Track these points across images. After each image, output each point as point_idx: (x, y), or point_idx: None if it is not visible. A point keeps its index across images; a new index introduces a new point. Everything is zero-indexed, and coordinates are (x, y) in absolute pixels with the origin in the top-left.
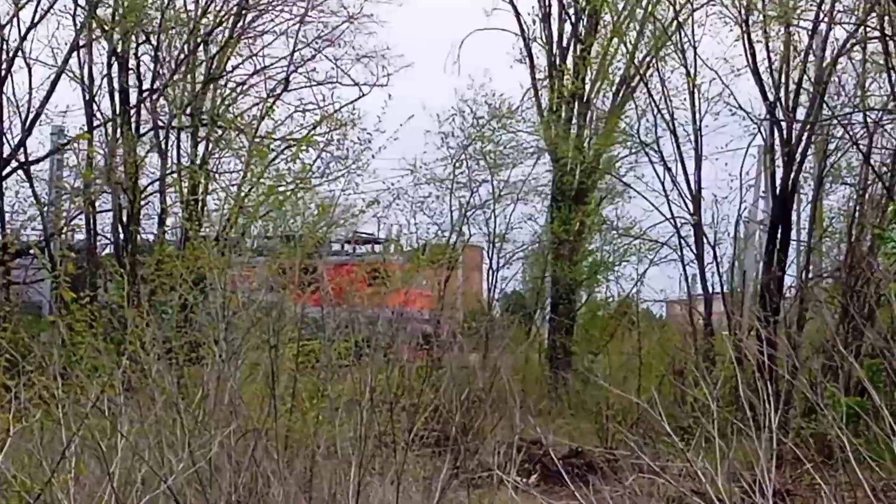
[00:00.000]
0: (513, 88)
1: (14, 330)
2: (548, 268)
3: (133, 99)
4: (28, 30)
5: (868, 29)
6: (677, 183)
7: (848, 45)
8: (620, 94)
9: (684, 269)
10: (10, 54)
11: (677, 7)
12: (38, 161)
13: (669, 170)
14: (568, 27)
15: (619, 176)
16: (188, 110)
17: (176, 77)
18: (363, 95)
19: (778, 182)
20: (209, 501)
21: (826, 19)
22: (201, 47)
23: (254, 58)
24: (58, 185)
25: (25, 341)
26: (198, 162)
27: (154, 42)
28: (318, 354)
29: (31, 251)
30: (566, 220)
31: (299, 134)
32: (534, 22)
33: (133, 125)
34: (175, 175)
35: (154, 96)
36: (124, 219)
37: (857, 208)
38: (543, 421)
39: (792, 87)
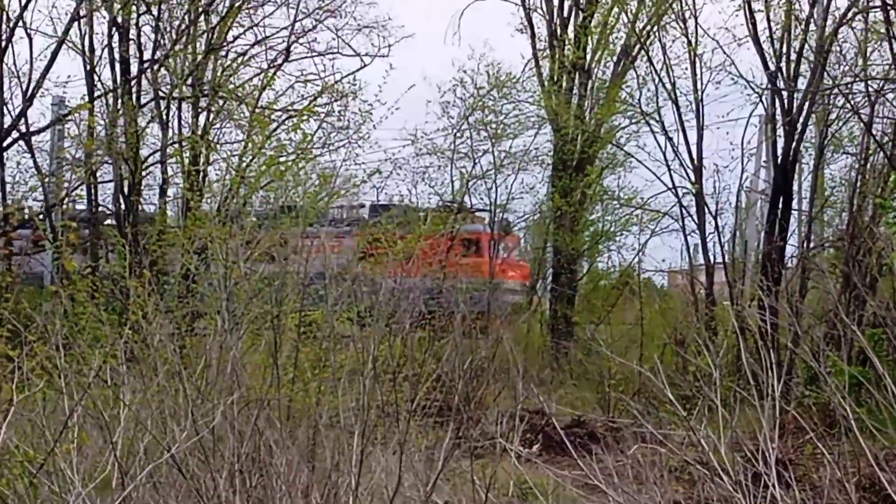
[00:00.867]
0: (514, 58)
1: (16, 300)
2: (549, 238)
3: (134, 69)
4: (28, 1)
5: None
6: (678, 152)
7: (849, 14)
8: (621, 64)
9: (686, 239)
10: (11, 24)
11: None
12: (39, 132)
13: (671, 139)
14: None
15: (620, 146)
16: (189, 81)
17: (177, 47)
18: (364, 66)
19: (779, 151)
20: (212, 470)
21: None
22: (202, 17)
23: (255, 28)
24: (59, 155)
25: (27, 312)
26: (199, 132)
27: (155, 12)
28: (320, 325)
29: (33, 222)
30: (567, 191)
31: (300, 104)
32: None
33: (134, 95)
34: (176, 146)
35: (155, 66)
36: (125, 189)
37: (859, 178)
38: (546, 390)
39: (793, 56)
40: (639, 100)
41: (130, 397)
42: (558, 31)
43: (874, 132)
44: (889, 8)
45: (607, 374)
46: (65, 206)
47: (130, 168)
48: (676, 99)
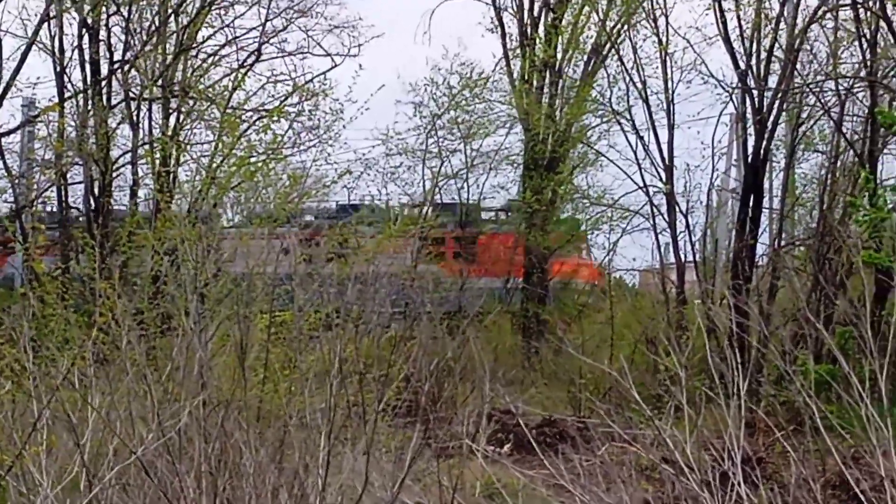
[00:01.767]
0: (485, 58)
1: None
2: (520, 235)
3: (104, 70)
4: None
5: None
6: (649, 151)
7: (819, 13)
8: (592, 63)
9: (657, 238)
10: None
11: None
12: (8, 133)
13: (641, 138)
14: None
15: (591, 144)
16: (159, 81)
17: (147, 48)
18: (335, 66)
19: (750, 150)
20: (179, 472)
21: None
22: (172, 18)
23: (225, 28)
24: (29, 156)
25: None
26: (169, 133)
27: (125, 13)
28: (289, 325)
29: (2, 224)
30: (538, 189)
31: (271, 105)
32: None
33: (104, 96)
34: (146, 146)
35: (125, 67)
36: (96, 190)
37: (829, 176)
38: (516, 390)
39: (763, 55)
40: (609, 99)
41: (99, 400)
42: (529, 30)
43: (844, 131)
44: (859, 7)
45: (577, 373)
46: (35, 208)
47: (101, 169)
48: (647, 98)
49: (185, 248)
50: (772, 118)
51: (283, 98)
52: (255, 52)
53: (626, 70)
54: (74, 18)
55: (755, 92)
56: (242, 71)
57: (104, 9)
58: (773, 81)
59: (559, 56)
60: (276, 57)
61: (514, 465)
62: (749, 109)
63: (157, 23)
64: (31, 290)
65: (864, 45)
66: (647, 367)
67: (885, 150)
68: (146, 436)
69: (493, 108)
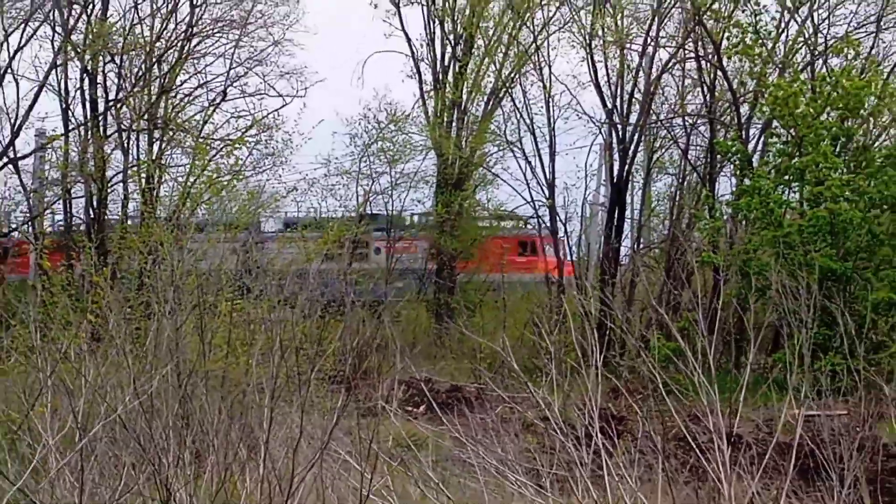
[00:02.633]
0: (406, 99)
1: (3, 293)
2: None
3: (101, 107)
4: (16, 52)
5: (686, 51)
6: (536, 173)
7: (669, 65)
8: (490, 103)
9: (542, 242)
10: (1, 71)
11: (535, 33)
12: (24, 157)
13: (530, 163)
14: (448, 49)
15: (489, 168)
16: (145, 116)
17: (135, 90)
18: (285, 104)
19: (615, 173)
20: (152, 427)
21: (652, 43)
22: (155, 66)
23: (198, 74)
24: (40, 176)
25: (12, 302)
26: (153, 158)
27: (118, 61)
28: (248, 311)
29: (19, 230)
30: (448, 203)
31: (234, 135)
32: (421, 45)
33: (101, 128)
34: (135, 168)
35: (118, 105)
36: (94, 203)
37: (677, 194)
38: (430, 364)
39: (626, 97)
40: (504, 131)
41: (92, 370)
42: (440, 76)
43: (689, 158)
44: (701, 59)
45: (478, 350)
46: (44, 217)
47: (98, 186)
48: (534, 131)
49: (164, 250)
50: (632, 147)
51: (244, 130)
52: (222, 94)
53: (518, 109)
54: (77, 66)
55: (619, 126)
56: (211, 108)
57: (101, 58)
58: (633, 118)
59: (464, 97)
60: (239, 97)
61: (426, 422)
62: (614, 140)
63: (143, 69)
64: (40, 282)
65: (705, 90)
66: (533, 345)
67: (722, 173)
68: (127, 399)
69: (412, 139)
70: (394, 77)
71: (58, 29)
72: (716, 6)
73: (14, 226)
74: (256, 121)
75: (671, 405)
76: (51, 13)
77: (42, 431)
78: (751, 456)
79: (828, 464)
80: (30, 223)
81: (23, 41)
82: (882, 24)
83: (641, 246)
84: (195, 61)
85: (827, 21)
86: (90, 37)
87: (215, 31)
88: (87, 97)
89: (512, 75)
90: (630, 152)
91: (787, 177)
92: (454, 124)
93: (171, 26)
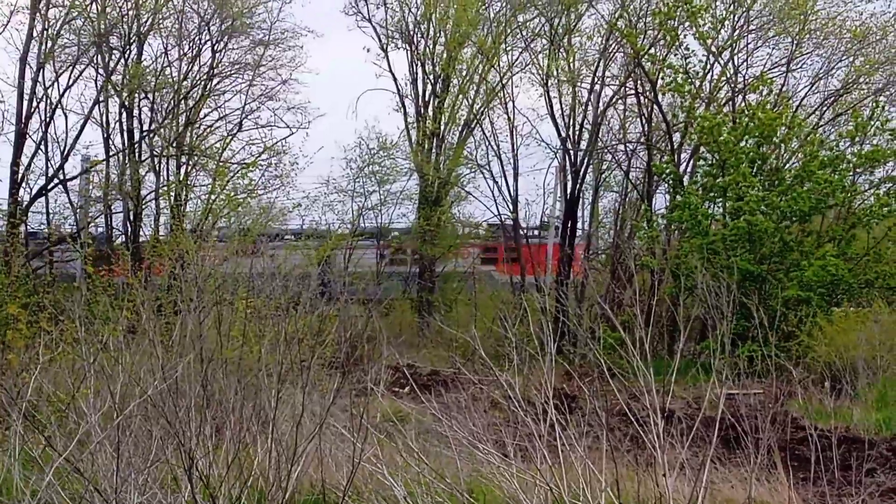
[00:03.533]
0: (392, 128)
1: (55, 293)
2: (416, 248)
3: (136, 136)
4: (65, 90)
5: (627, 88)
6: (502, 191)
7: (614, 99)
8: (464, 132)
9: (507, 250)
10: (53, 106)
11: (501, 74)
12: (71, 179)
13: (497, 182)
14: (429, 87)
15: (463, 187)
16: (174, 144)
17: (165, 122)
18: (291, 134)
19: (568, 191)
20: (178, 406)
21: (599, 81)
22: (182, 101)
23: (218, 108)
24: (85, 195)
25: (61, 301)
26: (181, 179)
27: (151, 98)
28: (260, 308)
29: (67, 239)
30: (428, 217)
31: (248, 159)
32: (406, 84)
33: (136, 154)
34: (165, 188)
35: (151, 135)
36: (131, 218)
37: (620, 208)
38: (414, 352)
39: (577, 127)
40: (475, 156)
41: (128, 358)
42: (422, 110)
43: (630, 178)
44: (640, 95)
45: (453, 340)
46: (89, 229)
47: (134, 203)
48: (500, 155)
49: (190, 256)
50: (582, 169)
51: (256, 156)
52: (238, 125)
53: (486, 137)
54: (116, 101)
55: (571, 151)
56: (229, 137)
57: (137, 95)
58: (583, 145)
59: (442, 127)
60: (252, 128)
61: (410, 401)
62: (568, 163)
63: (172, 104)
64: (85, 284)
65: (644, 121)
66: (499, 336)
67: (657, 191)
68: (156, 382)
69: (398, 163)
70: (382, 110)
71: (100, 70)
72: (652, 51)
73: (64, 236)
74: (267, 148)
75: (614, 386)
76: (94, 57)
77: (85, 410)
78: (681, 428)
79: (746, 434)
80: (76, 235)
81: (70, 81)
82: (791, 65)
83: (590, 252)
84: (216, 98)
85: (745, 63)
86: (128, 77)
87: (233, 72)
88: (125, 128)
89: (482, 109)
90: (581, 173)
91: (712, 193)
92: (433, 150)
93: (196, 68)
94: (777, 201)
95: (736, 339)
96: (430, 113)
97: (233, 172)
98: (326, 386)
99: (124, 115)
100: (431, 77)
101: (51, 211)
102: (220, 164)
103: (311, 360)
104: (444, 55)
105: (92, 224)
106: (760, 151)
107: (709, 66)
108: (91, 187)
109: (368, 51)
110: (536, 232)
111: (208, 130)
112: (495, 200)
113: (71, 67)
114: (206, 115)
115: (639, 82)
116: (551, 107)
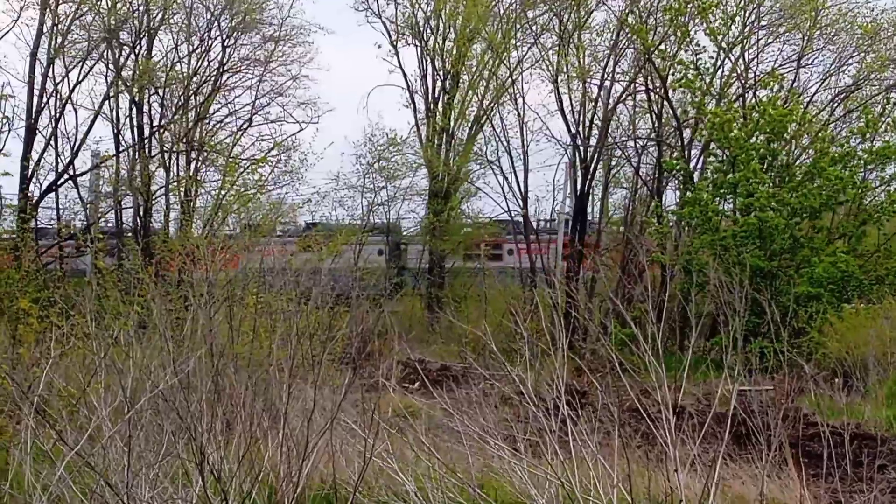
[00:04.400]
0: (402, 124)
1: (65, 287)
2: (426, 243)
3: (146, 132)
4: (75, 86)
5: (637, 85)
6: (512, 187)
7: (624, 96)
8: (474, 128)
9: (517, 245)
10: (63, 102)
11: (511, 70)
12: (82, 174)
13: (506, 178)
14: (439, 83)
15: (472, 182)
16: (184, 140)
17: (175, 117)
18: (301, 129)
19: (578, 187)
20: (189, 400)
21: (609, 78)
22: (192, 97)
23: (228, 104)
24: (95, 190)
25: (72, 296)
26: (190, 174)
27: (160, 94)
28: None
29: (77, 234)
30: (438, 212)
31: (258, 155)
32: (416, 80)
33: (146, 150)
34: (175, 184)
35: (161, 130)
36: (141, 213)
37: (631, 204)
38: (424, 347)
39: (587, 123)
40: (485, 152)
41: (139, 353)
42: (431, 106)
43: (640, 174)
44: (650, 91)
45: (464, 335)
46: (99, 224)
47: (144, 199)
48: (510, 151)
49: (200, 251)
50: (592, 165)
51: (266, 151)
52: (248, 120)
53: (497, 133)
54: (126, 97)
55: (581, 148)
56: (239, 133)
57: (146, 91)
58: (593, 141)
59: (452, 123)
60: (262, 124)
61: (420, 396)
62: (577, 159)
63: (182, 100)
64: (95, 279)
65: (654, 117)
66: (510, 331)
67: (668, 187)
68: (167, 377)
69: (408, 159)
70: (393, 106)
71: (110, 66)
72: (662, 47)
73: (73, 232)
74: (277, 143)
75: (626, 381)
76: (104, 53)
77: (96, 404)
78: (692, 424)
79: (757, 431)
80: (87, 229)
81: (81, 76)
82: (802, 61)
83: (601, 248)
84: (226, 93)
85: (756, 59)
86: (138, 73)
87: (243, 67)
88: (135, 123)
89: (492, 105)
90: (591, 170)
91: (722, 190)
92: (443, 146)
93: (206, 64)
94: (787, 198)
95: (747, 336)
96: (440, 109)
97: (242, 168)
98: (337, 381)
99: (134, 110)
100: (441, 73)
101: (61, 206)
102: (230, 159)
103: (322, 356)
104: (454, 51)
105: (102, 219)
106: (771, 148)
107: (719, 63)
108: (101, 183)
109: (380, 47)
110: (546, 226)
111: (218, 126)
112: (505, 196)
113: (81, 63)
114: (216, 111)
115: (649, 78)
116: (561, 103)
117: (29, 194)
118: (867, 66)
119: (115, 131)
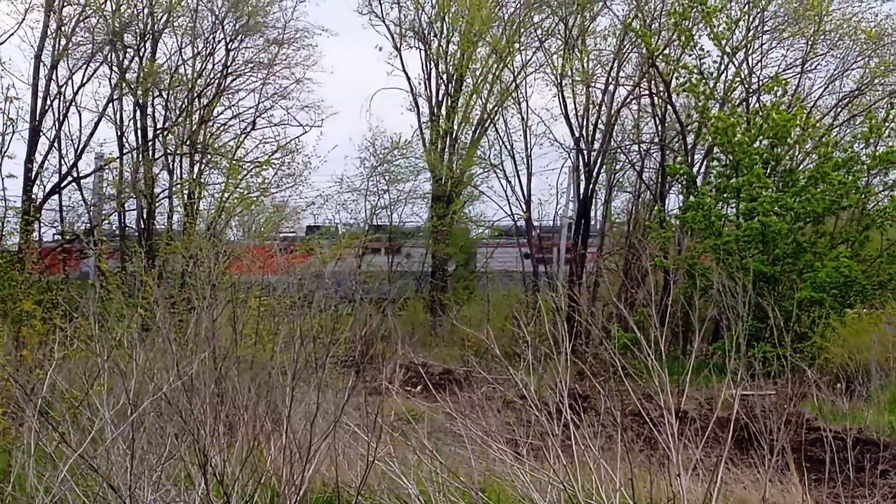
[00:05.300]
0: (405, 126)
1: (69, 290)
2: (429, 246)
3: (150, 134)
4: (79, 88)
5: (641, 89)
6: (515, 191)
7: (628, 100)
8: (477, 132)
9: (519, 249)
10: (67, 104)
11: (515, 73)
12: (86, 176)
13: (510, 182)
14: (442, 87)
15: (476, 186)
16: (187, 142)
17: (179, 120)
18: (305, 132)
19: (581, 191)
20: (192, 403)
21: (613, 82)
22: (196, 100)
23: (231, 107)
24: (99, 192)
25: (75, 297)
26: (194, 177)
27: (165, 96)
28: (273, 306)
29: (81, 237)
30: (441, 216)
31: (262, 158)
32: (419, 83)
33: (150, 152)
34: (178, 186)
35: (164, 133)
36: (144, 215)
37: (634, 209)
38: (427, 350)
39: (590, 127)
40: (489, 156)
41: (142, 356)
42: (435, 109)
43: (644, 178)
44: (654, 96)
45: (466, 339)
46: (103, 227)
47: (147, 201)
48: (513, 155)
49: (203, 254)
50: (596, 169)
51: (270, 154)
52: (252, 123)
53: (500, 136)
54: (130, 100)
55: (585, 152)
56: (243, 136)
57: (150, 93)
58: (597, 145)
59: (455, 127)
60: (266, 126)
61: (423, 400)
62: (581, 163)
63: (186, 103)
64: (99, 281)
65: (657, 122)
66: (513, 334)
67: (671, 191)
68: (170, 379)
69: (411, 162)
70: (396, 109)
71: (114, 69)
72: (667, 51)
73: (76, 233)
74: (281, 146)
75: (628, 386)
76: (108, 55)
77: (99, 407)
78: (695, 429)
79: (759, 435)
80: (90, 231)
81: (85, 79)
82: (806, 66)
83: (604, 252)
84: (230, 96)
85: (760, 64)
86: (142, 75)
87: (247, 70)
88: (139, 126)
89: (495, 108)
90: (594, 174)
91: (725, 194)
92: (446, 150)
93: (210, 67)
94: (791, 202)
95: (750, 340)
96: (444, 112)
97: (246, 171)
98: (339, 384)
99: (138, 113)
100: (445, 76)
101: (64, 209)
102: (234, 162)
103: (325, 359)
104: (458, 54)
105: (106, 222)
106: (774, 152)
107: (723, 67)
108: (105, 185)
109: (381, 49)
110: (549, 232)
111: (222, 129)
112: (508, 200)
113: (85, 65)
114: (219, 114)
115: (653, 83)
116: (565, 107)
117: (33, 196)
118: (871, 71)
119: (119, 134)
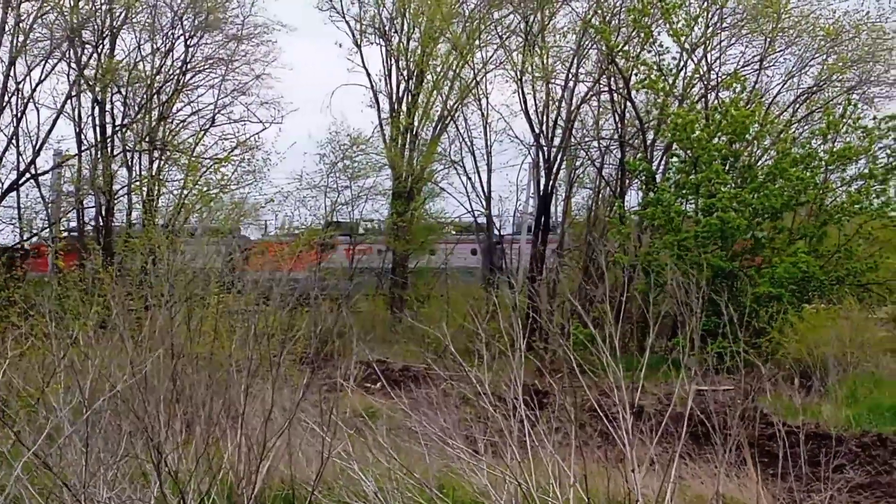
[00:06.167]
0: (366, 123)
1: (25, 287)
2: (389, 243)
3: (109, 131)
4: (37, 84)
5: (601, 85)
6: (475, 187)
7: (588, 96)
8: (437, 128)
9: (479, 245)
10: (25, 101)
11: (475, 70)
12: (44, 173)
13: (470, 178)
14: (403, 83)
15: (436, 182)
16: (146, 139)
17: (138, 116)
18: (264, 129)
19: (541, 187)
20: (147, 401)
21: (573, 78)
22: (155, 96)
23: (191, 103)
24: (57, 189)
25: (31, 295)
26: (153, 174)
27: (123, 92)
28: (232, 304)
29: (38, 234)
30: (401, 212)
31: (221, 154)
32: (380, 80)
33: (109, 149)
34: (137, 183)
35: (123, 129)
36: (103, 212)
37: (594, 205)
38: (387, 347)
39: (551, 124)
40: (449, 152)
41: (99, 353)
42: (395, 106)
43: (604, 175)
44: (613, 92)
45: (425, 336)
46: (60, 224)
47: (106, 198)
48: (473, 152)
49: (161, 252)
50: (556, 166)
51: (229, 151)
52: (211, 120)
53: (460, 133)
54: (89, 96)
55: (545, 148)
56: (202, 132)
57: (109, 90)
58: (556, 141)
59: (416, 123)
60: (225, 123)
61: (382, 397)
62: (541, 160)
63: (144, 99)
64: (55, 279)
65: (617, 118)
66: (470, 332)
67: (630, 188)
68: (125, 377)
69: (371, 158)
70: (357, 106)
71: (73, 65)
72: (626, 48)
73: (34, 231)
74: (240, 143)
75: (585, 382)
76: (67, 52)
77: (55, 405)
78: (651, 424)
79: (715, 430)
80: (48, 229)
81: (43, 75)
82: (764, 63)
83: (563, 249)
84: (189, 92)
85: (718, 60)
86: (100, 72)
87: (206, 67)
88: (98, 123)
89: (456, 105)
90: (554, 170)
91: (684, 191)
92: (407, 146)
93: (169, 63)
94: (749, 198)
95: (705, 336)
96: (404, 108)
97: (205, 167)
98: (296, 381)
99: (97, 109)
100: (405, 73)
101: (22, 206)
102: (193, 159)
103: (280, 356)
104: (419, 51)
105: (64, 219)
106: (733, 149)
107: (682, 64)
108: (63, 182)
109: (341, 46)
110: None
111: (181, 125)
112: (468, 196)
113: (43, 62)
114: (178, 110)
115: (612, 79)
116: (525, 103)
117: None
118: (829, 68)
119: (78, 130)
